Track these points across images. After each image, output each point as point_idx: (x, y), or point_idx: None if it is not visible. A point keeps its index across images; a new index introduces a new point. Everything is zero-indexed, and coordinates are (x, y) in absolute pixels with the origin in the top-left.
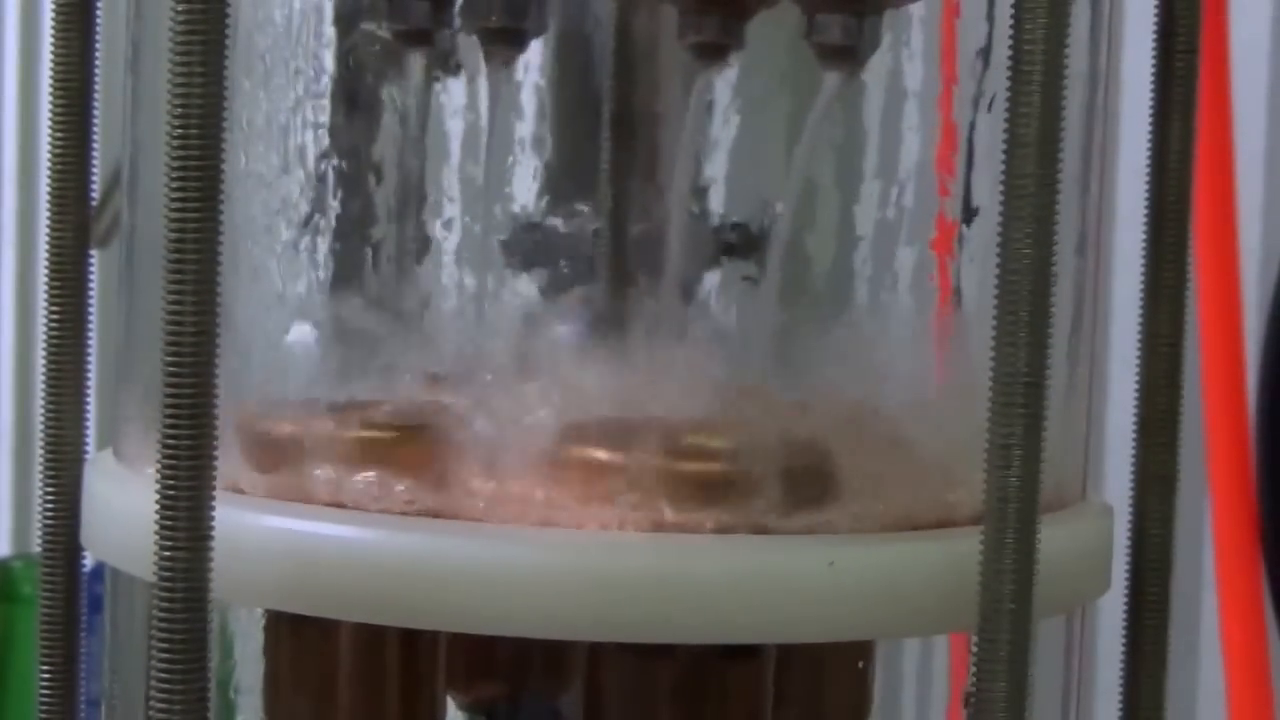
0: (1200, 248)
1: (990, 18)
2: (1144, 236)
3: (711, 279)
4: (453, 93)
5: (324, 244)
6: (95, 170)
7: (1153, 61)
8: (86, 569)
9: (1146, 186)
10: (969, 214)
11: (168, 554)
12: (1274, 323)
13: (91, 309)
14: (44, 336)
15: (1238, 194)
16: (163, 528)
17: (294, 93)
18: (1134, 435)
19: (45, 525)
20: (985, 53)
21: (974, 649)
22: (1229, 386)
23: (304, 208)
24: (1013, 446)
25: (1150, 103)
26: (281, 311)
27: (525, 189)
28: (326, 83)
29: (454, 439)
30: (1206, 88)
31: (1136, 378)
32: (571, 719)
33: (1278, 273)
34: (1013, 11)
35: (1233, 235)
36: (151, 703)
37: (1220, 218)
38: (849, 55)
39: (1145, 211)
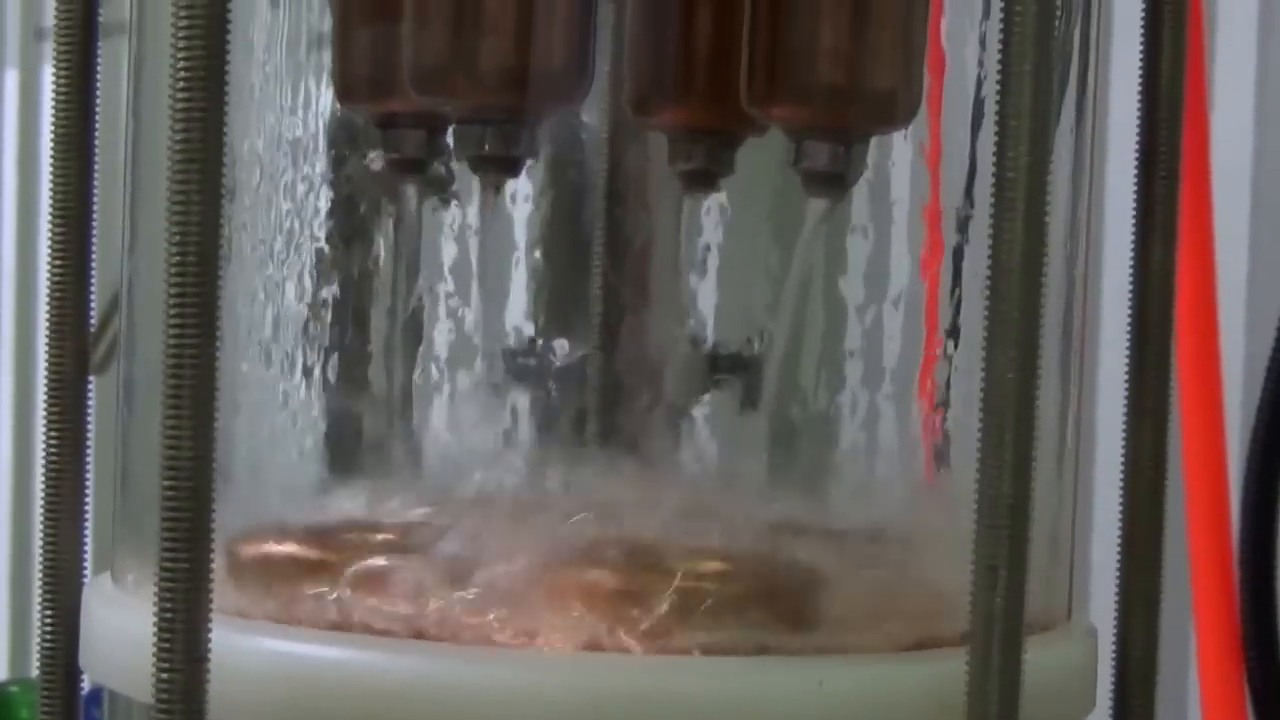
0: (1183, 368)
1: (973, 145)
2: (1127, 357)
3: (702, 402)
4: (445, 218)
5: (317, 367)
6: (94, 295)
7: (1134, 187)
8: (84, 692)
9: (1129, 307)
10: (955, 338)
11: (165, 676)
12: (1257, 445)
13: (89, 433)
14: (43, 460)
15: (1220, 313)
16: (160, 650)
17: (290, 218)
18: (1118, 556)
19: (44, 648)
20: (969, 178)
21: None
22: (1212, 506)
23: (299, 333)
24: (998, 568)
25: (1132, 223)
26: (275, 435)
27: (516, 312)
28: (321, 209)
29: (447, 563)
30: (1188, 205)
31: (1120, 498)
32: None
33: (1260, 396)
34: (995, 137)
35: (1215, 357)
36: None
37: (1202, 337)
38: (836, 182)
39: (1128, 332)
